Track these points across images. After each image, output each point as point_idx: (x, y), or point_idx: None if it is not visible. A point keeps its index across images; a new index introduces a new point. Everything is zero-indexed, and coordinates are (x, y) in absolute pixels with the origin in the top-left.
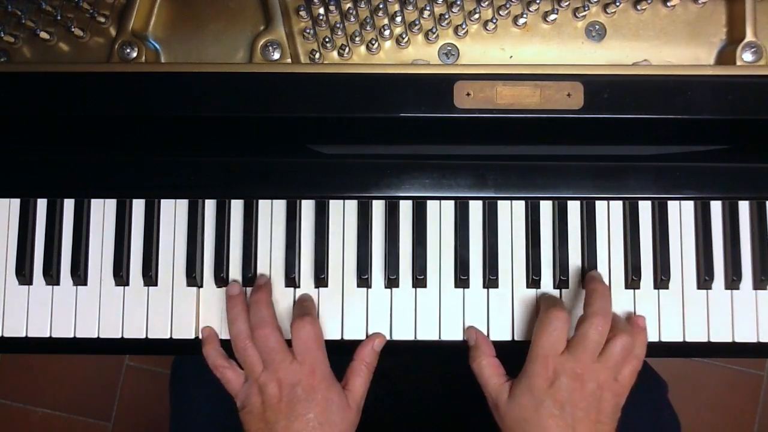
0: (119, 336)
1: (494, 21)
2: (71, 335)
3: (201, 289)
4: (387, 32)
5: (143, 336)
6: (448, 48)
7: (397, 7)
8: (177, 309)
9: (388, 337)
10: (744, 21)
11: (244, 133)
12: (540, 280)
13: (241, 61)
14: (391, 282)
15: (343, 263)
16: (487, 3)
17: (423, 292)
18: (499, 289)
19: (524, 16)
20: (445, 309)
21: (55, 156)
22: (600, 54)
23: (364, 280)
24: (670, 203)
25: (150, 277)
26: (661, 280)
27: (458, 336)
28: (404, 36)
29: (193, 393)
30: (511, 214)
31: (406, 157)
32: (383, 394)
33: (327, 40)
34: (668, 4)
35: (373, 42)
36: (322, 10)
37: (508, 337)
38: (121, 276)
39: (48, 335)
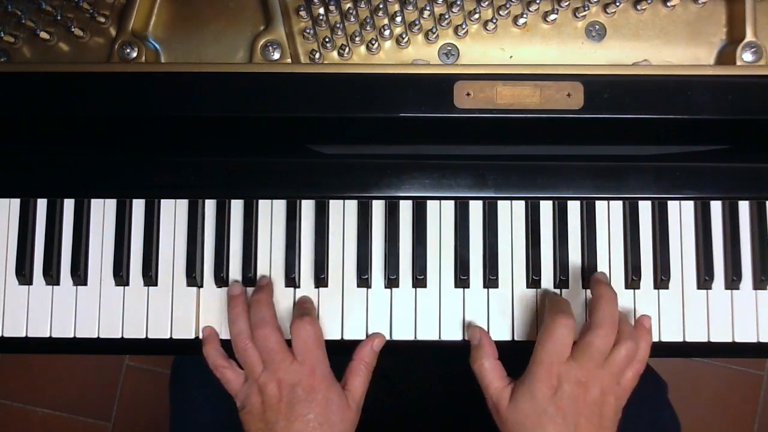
0: (119, 336)
1: (494, 21)
2: (71, 335)
3: (201, 289)
4: (387, 32)
5: (143, 336)
6: (448, 48)
7: (397, 7)
8: (177, 309)
9: (388, 337)
10: (744, 21)
11: (244, 133)
12: (540, 280)
13: (241, 61)
14: (391, 282)
15: (343, 263)
16: (487, 3)
17: (423, 292)
18: (499, 289)
19: (524, 16)
20: (445, 309)
21: (55, 156)
22: (600, 54)
23: (364, 280)
24: (670, 203)
25: (150, 277)
26: (661, 280)
27: (458, 336)
28: (404, 36)
29: (193, 393)
30: (511, 214)
31: (406, 157)
32: (383, 394)
33: (327, 40)
34: (668, 4)
35: (373, 42)
36: (322, 10)
37: (508, 337)
38: (121, 276)
39: (48, 335)
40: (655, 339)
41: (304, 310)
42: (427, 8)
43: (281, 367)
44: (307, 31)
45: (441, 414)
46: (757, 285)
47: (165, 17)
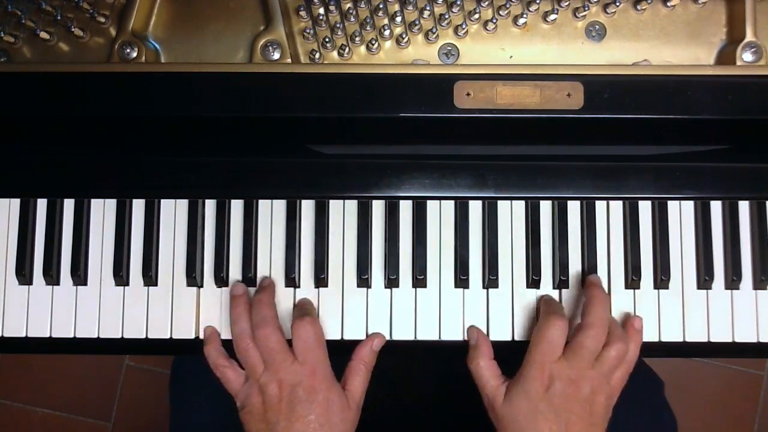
0: (119, 336)
1: (494, 21)
2: (71, 335)
3: (201, 289)
4: (387, 32)
5: (143, 336)
6: (448, 48)
7: (397, 7)
8: (177, 309)
9: (388, 337)
10: (744, 21)
11: (244, 133)
12: (540, 280)
13: (241, 61)
14: (391, 282)
15: (343, 263)
16: (487, 3)
17: (423, 292)
18: (499, 289)
19: (524, 16)
20: (445, 309)
21: (55, 156)
22: (600, 54)
23: (364, 280)
24: (670, 203)
25: (150, 277)
26: (661, 280)
27: (458, 336)
28: (404, 36)
29: (194, 393)
30: (511, 214)
31: (406, 157)
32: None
33: (327, 40)
34: (668, 4)
35: (373, 42)
36: (322, 10)
37: (508, 337)
38: (121, 276)
39: (48, 335)
40: (655, 339)
41: (304, 310)
42: (427, 8)
43: (282, 367)
44: (307, 31)
45: (441, 414)
46: (757, 285)
47: (165, 17)
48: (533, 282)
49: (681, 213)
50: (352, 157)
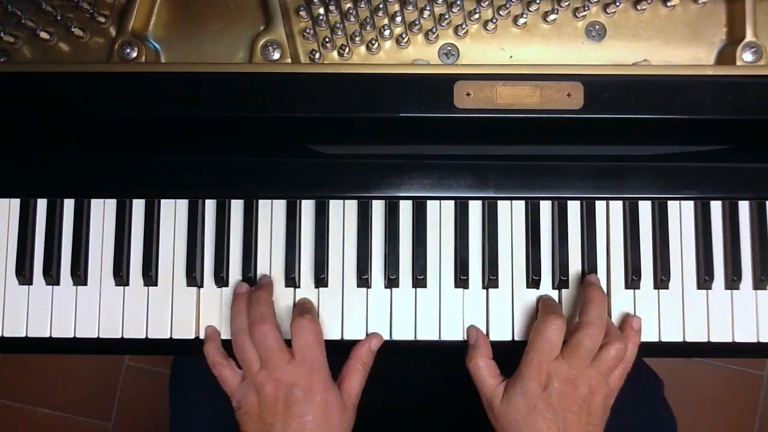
0: (119, 336)
1: (494, 21)
2: (71, 335)
3: (201, 289)
4: (387, 32)
5: (143, 336)
6: (448, 48)
7: (397, 7)
8: (177, 309)
9: (387, 337)
10: (744, 21)
11: (244, 133)
12: (540, 280)
13: (241, 61)
14: (391, 282)
15: (343, 263)
16: (487, 3)
17: (423, 292)
18: (499, 289)
19: (524, 16)
20: (445, 309)
21: (55, 156)
22: (600, 54)
23: (364, 280)
24: (670, 203)
25: (150, 277)
26: (661, 280)
27: (458, 336)
28: (404, 36)
29: (193, 393)
30: (511, 214)
31: (406, 157)
32: (383, 394)
33: (327, 40)
34: (668, 4)
35: (373, 42)
36: (322, 10)
37: (508, 337)
38: (121, 276)
39: (48, 335)
40: (655, 339)
41: (304, 309)
42: (427, 8)
43: (279, 366)
44: (307, 31)
45: (441, 414)
46: (757, 285)
47: (165, 17)
48: (533, 282)
49: (681, 213)
50: (352, 157)
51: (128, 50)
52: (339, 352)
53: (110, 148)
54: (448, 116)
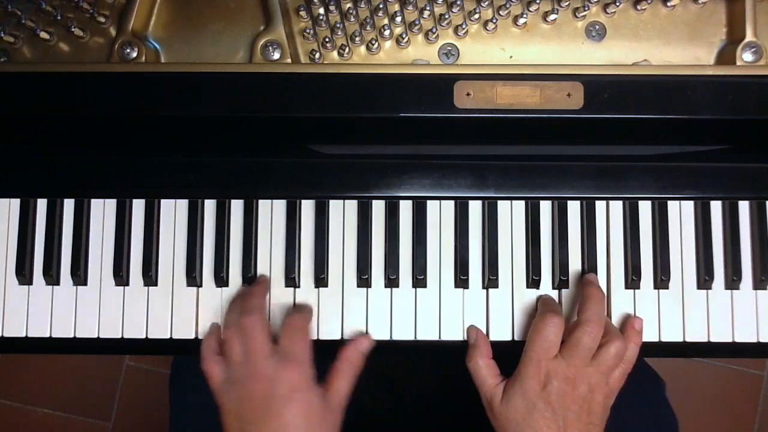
0: (119, 336)
1: (494, 21)
2: (71, 335)
3: (201, 289)
4: (387, 32)
5: (143, 336)
6: (448, 48)
7: (397, 7)
8: (177, 309)
9: (387, 337)
10: (744, 21)
11: (244, 133)
12: (540, 280)
13: (241, 61)
14: (391, 282)
15: (343, 263)
16: (487, 3)
17: (423, 292)
18: (499, 289)
19: (524, 16)
20: (445, 309)
21: (55, 156)
22: (600, 54)
23: (364, 280)
24: (670, 203)
25: (150, 277)
26: (661, 280)
27: (458, 336)
28: (404, 36)
29: (193, 393)
30: (511, 214)
31: (406, 157)
32: (383, 394)
33: (327, 40)
34: (668, 4)
35: (373, 42)
36: (322, 10)
37: (508, 337)
38: (121, 276)
39: (48, 335)
40: (655, 339)
41: (299, 308)
42: (427, 8)
43: (261, 360)
44: (307, 31)
45: (441, 414)
46: (757, 285)
47: (165, 17)
48: (533, 282)
49: (681, 213)
50: (352, 157)
51: (128, 50)
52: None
53: (110, 148)
54: (448, 116)
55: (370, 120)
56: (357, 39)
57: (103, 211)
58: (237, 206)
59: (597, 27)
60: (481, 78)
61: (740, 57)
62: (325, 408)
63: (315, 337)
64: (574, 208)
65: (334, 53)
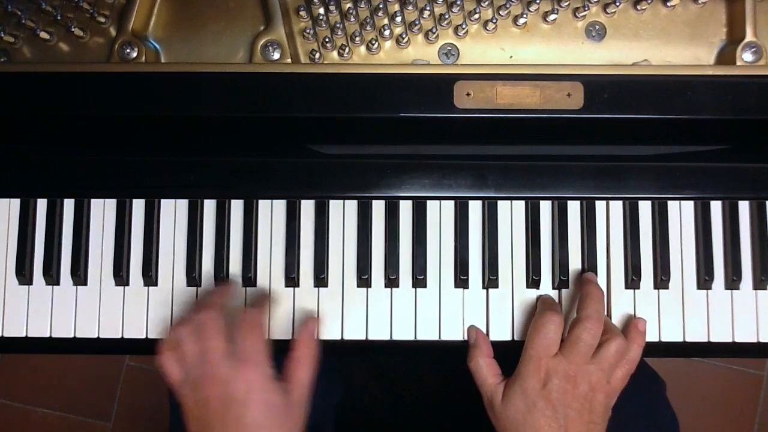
0: (119, 336)
1: (494, 21)
2: (71, 335)
3: (201, 289)
4: (387, 32)
5: (143, 336)
6: (448, 48)
7: (397, 7)
8: (177, 309)
9: (387, 337)
10: (744, 21)
11: (244, 133)
12: (540, 280)
13: (241, 61)
14: (391, 282)
15: (343, 263)
16: (487, 3)
17: (423, 292)
18: (499, 289)
19: (524, 16)
20: (445, 309)
21: (55, 156)
22: (600, 54)
23: (364, 280)
24: (670, 203)
25: (150, 277)
26: (661, 280)
27: (458, 336)
28: (404, 36)
29: None
30: (511, 214)
31: (406, 157)
32: (383, 394)
33: (327, 40)
34: (668, 4)
35: (373, 42)
36: (322, 10)
37: (508, 337)
38: (121, 276)
39: (48, 335)
40: (655, 339)
41: (253, 302)
42: (427, 8)
43: (216, 362)
44: (307, 31)
45: (441, 414)
46: (757, 285)
47: (165, 17)
48: (533, 282)
49: (681, 213)
50: (352, 157)
51: (128, 50)
52: (339, 352)
53: (110, 148)
54: (448, 116)
55: (370, 120)
56: (357, 39)
57: (103, 211)
58: (237, 206)
59: (597, 27)
60: (481, 78)
61: (740, 57)
62: (287, 403)
63: (315, 337)
64: (574, 208)
65: (334, 53)
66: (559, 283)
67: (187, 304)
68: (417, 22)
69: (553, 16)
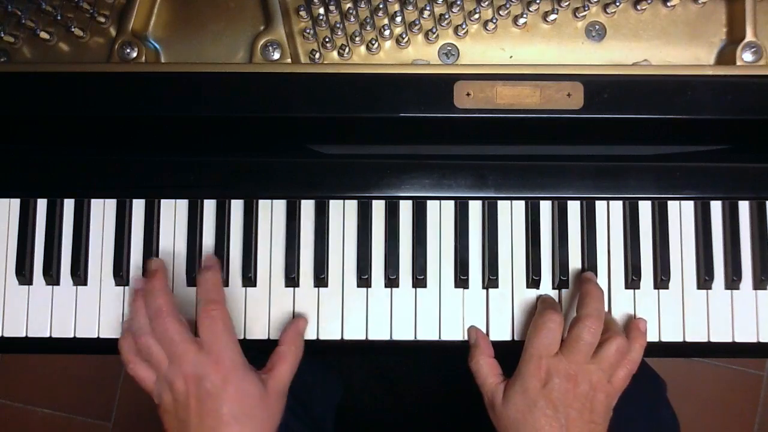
0: (119, 336)
1: (494, 21)
2: (71, 335)
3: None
4: (387, 32)
5: None
6: (448, 48)
7: (397, 7)
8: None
9: (387, 337)
10: (744, 21)
11: (244, 133)
12: (540, 280)
13: (241, 61)
14: (391, 282)
15: (343, 263)
16: (487, 3)
17: (423, 292)
18: (499, 289)
19: (524, 16)
20: (445, 309)
21: (55, 156)
22: (600, 54)
23: (364, 280)
24: (670, 203)
25: None
26: (661, 280)
27: (458, 336)
28: (404, 36)
29: None
30: (511, 214)
31: (406, 157)
32: (383, 394)
33: (327, 40)
34: (668, 4)
35: (373, 42)
36: (322, 10)
37: (508, 337)
38: (121, 276)
39: (48, 335)
40: (655, 339)
41: (209, 294)
42: (427, 8)
43: (185, 359)
44: (307, 31)
45: (441, 413)
46: (757, 285)
47: (165, 17)
48: (533, 282)
49: (681, 213)
50: (352, 157)
51: (128, 50)
52: (339, 352)
53: (110, 148)
54: (448, 116)
55: (370, 120)
56: (357, 39)
57: (103, 211)
58: (237, 206)
59: (597, 27)
60: (481, 78)
61: (740, 57)
62: (261, 395)
63: (315, 337)
64: (574, 208)
65: (334, 53)
66: (559, 283)
67: (187, 303)
68: (417, 22)
69: (553, 16)
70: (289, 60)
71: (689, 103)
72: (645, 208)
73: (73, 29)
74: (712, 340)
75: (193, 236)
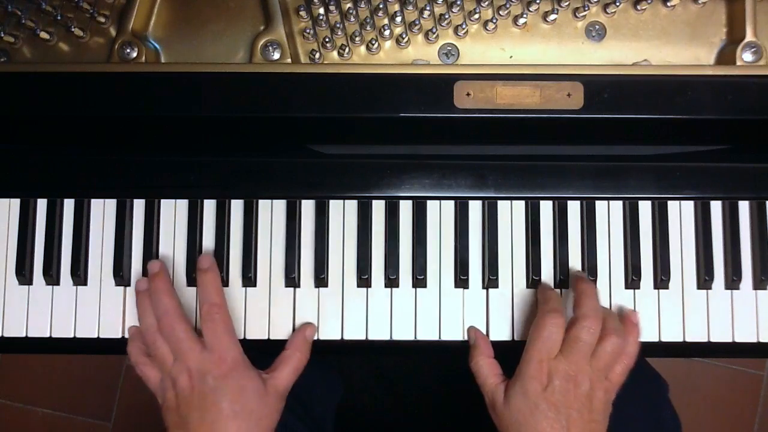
0: (119, 336)
1: (494, 21)
2: (71, 335)
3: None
4: (387, 32)
5: None
6: (448, 48)
7: (397, 7)
8: None
9: (387, 337)
10: (744, 21)
11: (244, 133)
12: (540, 280)
13: (241, 61)
14: (391, 282)
15: (343, 263)
16: (487, 3)
17: (423, 292)
18: (499, 289)
19: (524, 16)
20: (445, 309)
21: (55, 156)
22: (600, 54)
23: (364, 280)
24: (670, 203)
25: None
26: (661, 280)
27: (458, 336)
28: (404, 36)
29: None
30: (511, 214)
31: (406, 157)
32: (383, 394)
33: (327, 40)
34: (668, 4)
35: (373, 42)
36: (322, 10)
37: (508, 337)
38: (121, 276)
39: (48, 335)
40: (655, 339)
41: (210, 297)
42: (427, 8)
43: (190, 356)
44: (307, 31)
45: (441, 414)
46: (757, 285)
47: (165, 17)
48: (533, 282)
49: (681, 213)
50: (352, 157)
51: (128, 50)
52: (339, 352)
53: (110, 148)
54: (448, 116)
55: (370, 120)
56: (357, 39)
57: (103, 211)
58: (237, 206)
59: (597, 27)
60: (481, 78)
61: (740, 57)
62: (261, 392)
63: (315, 337)
64: (574, 208)
65: (334, 53)
66: (560, 282)
67: (187, 304)
68: (417, 22)
69: (553, 16)
70: (289, 60)
71: (689, 103)
72: (645, 208)
73: (73, 29)
74: (712, 340)
75: (193, 236)
